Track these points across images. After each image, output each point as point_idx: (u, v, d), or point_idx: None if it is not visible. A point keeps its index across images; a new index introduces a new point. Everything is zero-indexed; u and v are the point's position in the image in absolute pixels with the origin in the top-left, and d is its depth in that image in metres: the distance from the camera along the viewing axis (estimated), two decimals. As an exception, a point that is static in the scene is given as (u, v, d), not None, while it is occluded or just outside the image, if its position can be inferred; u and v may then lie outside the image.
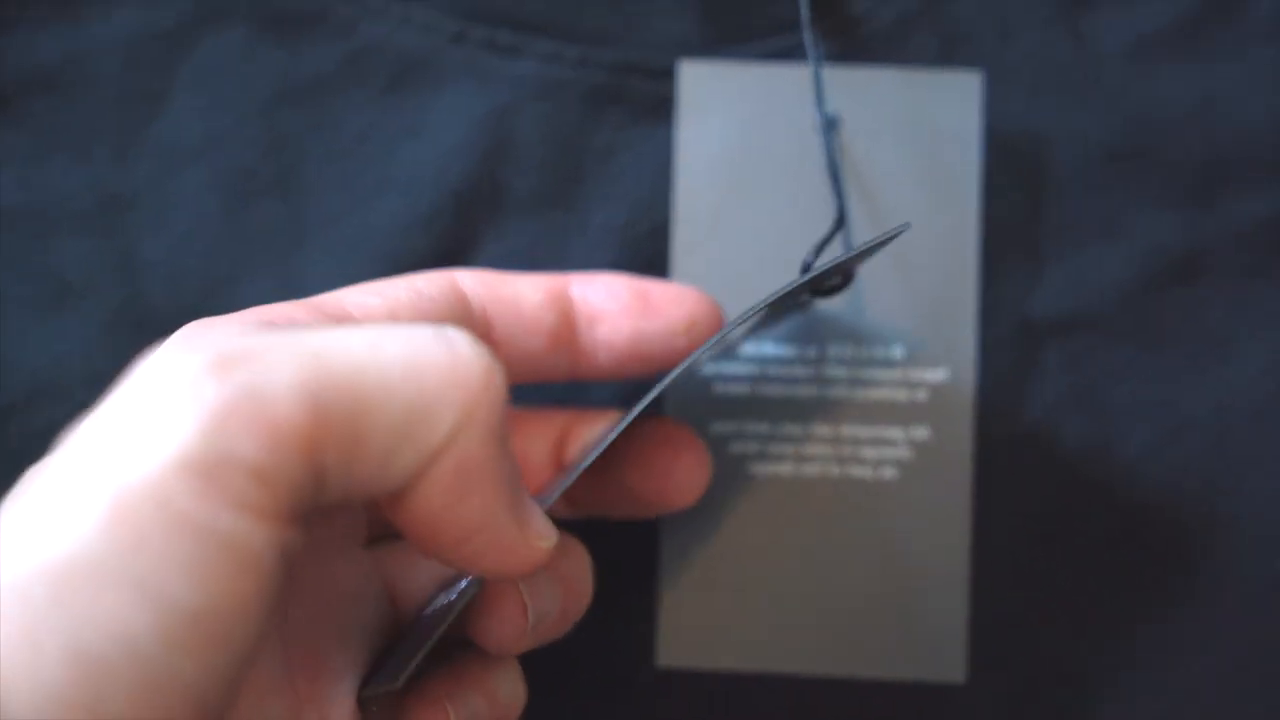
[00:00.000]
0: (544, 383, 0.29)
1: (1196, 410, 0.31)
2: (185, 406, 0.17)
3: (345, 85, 0.32)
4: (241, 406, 0.18)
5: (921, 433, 0.30)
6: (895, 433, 0.30)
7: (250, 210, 0.31)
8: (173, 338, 0.22)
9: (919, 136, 0.31)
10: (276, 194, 0.32)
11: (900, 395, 0.30)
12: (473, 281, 0.27)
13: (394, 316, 0.25)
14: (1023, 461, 0.31)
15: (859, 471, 0.30)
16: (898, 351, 0.30)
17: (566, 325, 0.28)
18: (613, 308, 0.28)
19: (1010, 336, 0.31)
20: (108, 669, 0.17)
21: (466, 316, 0.27)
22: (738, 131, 0.31)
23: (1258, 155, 0.32)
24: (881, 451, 0.30)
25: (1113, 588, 0.31)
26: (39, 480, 0.18)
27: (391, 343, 0.20)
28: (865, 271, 0.31)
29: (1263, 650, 0.30)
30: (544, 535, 0.22)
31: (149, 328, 0.31)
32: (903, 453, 0.30)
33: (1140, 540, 0.31)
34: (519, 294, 0.27)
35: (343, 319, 0.24)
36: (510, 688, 0.25)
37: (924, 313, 0.30)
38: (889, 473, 0.30)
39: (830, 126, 0.31)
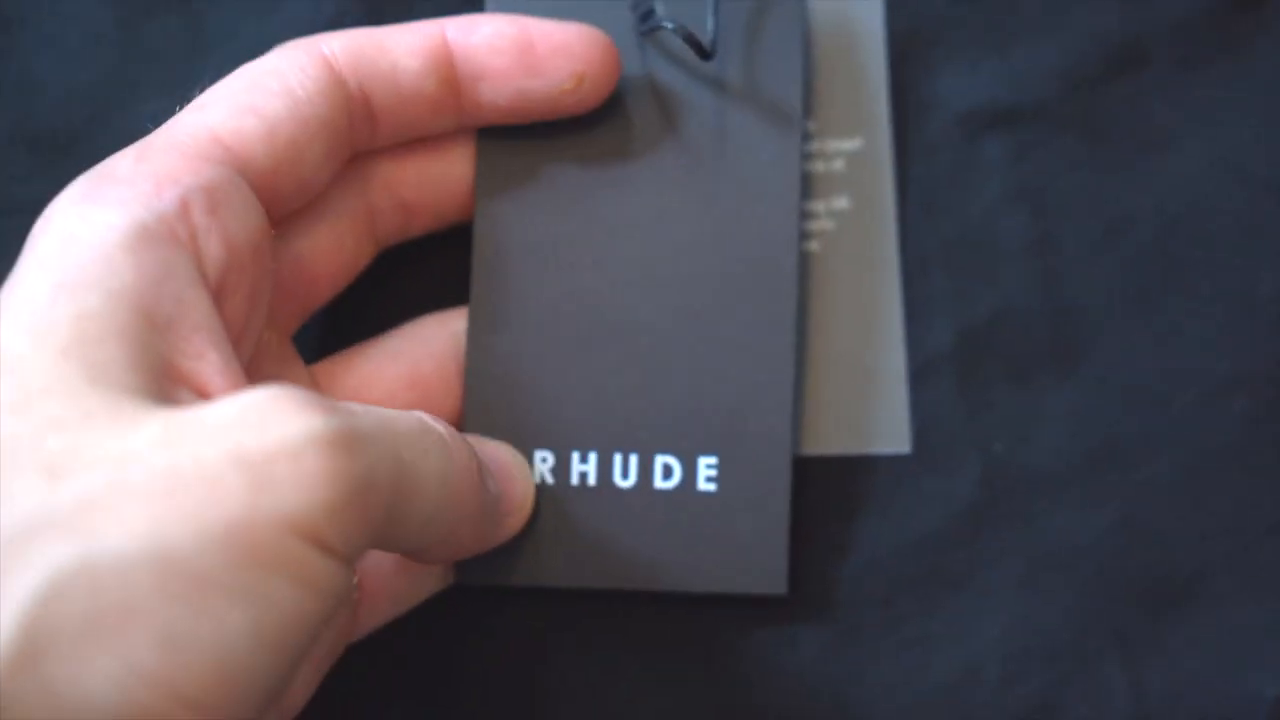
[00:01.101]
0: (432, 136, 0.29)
1: (1139, 205, 0.31)
2: (321, 481, 0.20)
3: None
4: (358, 494, 0.20)
5: (841, 203, 0.31)
6: (815, 205, 0.31)
7: (145, 24, 0.31)
8: (68, 192, 0.23)
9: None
10: (172, 6, 0.31)
11: (816, 167, 0.31)
12: (346, 57, 0.26)
13: (273, 136, 0.25)
14: (963, 258, 0.31)
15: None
16: (810, 124, 0.31)
17: (449, 89, 0.27)
18: (496, 64, 0.27)
19: (950, 130, 0.31)
20: (195, 657, 0.19)
21: (345, 105, 0.26)
22: None
23: None
24: (803, 225, 0.30)
25: (1047, 380, 0.31)
26: (160, 452, 0.20)
27: (438, 460, 0.23)
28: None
29: (1213, 451, 0.31)
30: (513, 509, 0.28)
31: (42, 148, 0.30)
32: (825, 224, 0.31)
33: (1081, 337, 0.31)
34: (396, 65, 0.27)
35: (221, 156, 0.24)
36: None
37: (833, 83, 0.31)
38: (813, 245, 0.31)
39: None
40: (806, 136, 0.30)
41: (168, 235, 0.23)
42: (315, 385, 0.28)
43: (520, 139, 0.29)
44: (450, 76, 0.27)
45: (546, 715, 0.30)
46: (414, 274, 0.31)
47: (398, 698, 0.30)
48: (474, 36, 0.27)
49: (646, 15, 0.29)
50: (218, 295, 0.23)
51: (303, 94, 0.26)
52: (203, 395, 0.22)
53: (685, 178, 0.29)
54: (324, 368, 0.29)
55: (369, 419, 0.21)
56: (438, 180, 0.29)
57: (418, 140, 0.29)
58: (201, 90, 0.26)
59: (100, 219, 0.22)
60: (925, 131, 0.31)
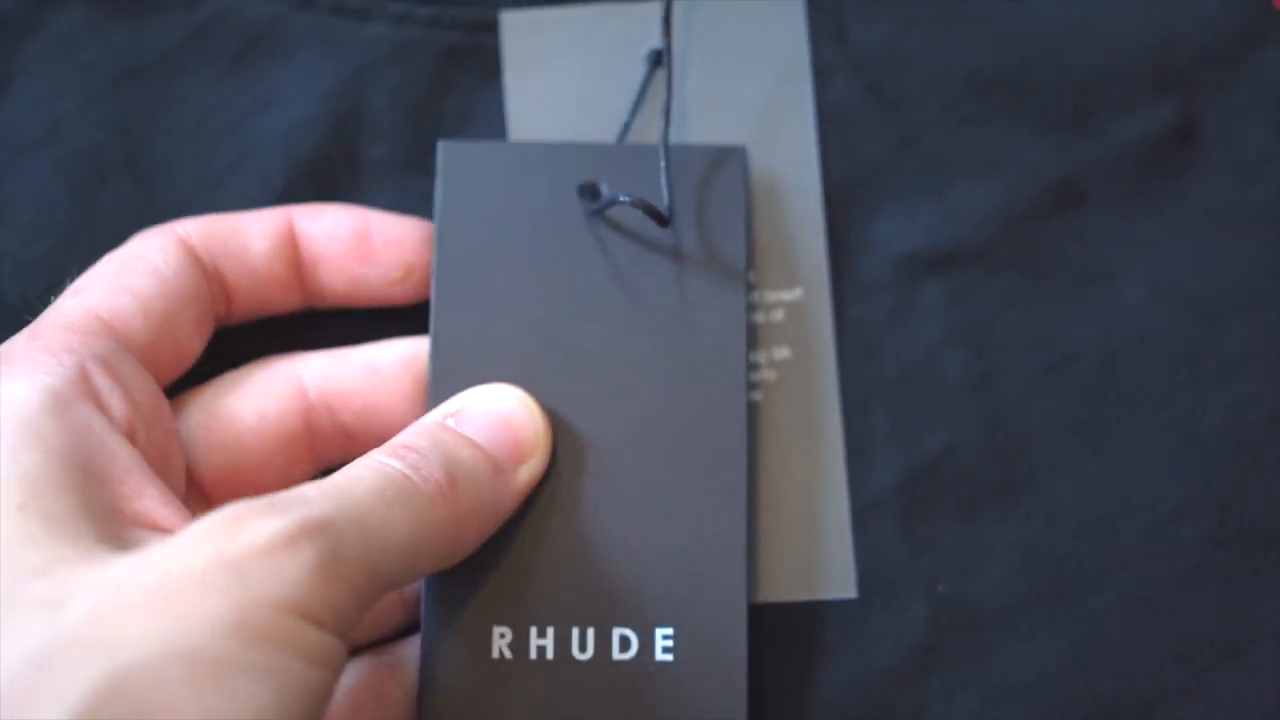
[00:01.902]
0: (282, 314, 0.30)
1: (1081, 340, 0.32)
2: (293, 568, 0.22)
3: (191, 61, 0.32)
4: (329, 571, 0.22)
5: (783, 353, 0.31)
6: (757, 356, 0.31)
7: (99, 195, 0.31)
8: None
9: (749, 64, 0.32)
10: (126, 177, 0.31)
11: (757, 318, 0.31)
12: (200, 239, 0.29)
13: (148, 312, 0.27)
14: (906, 399, 0.31)
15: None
16: (749, 276, 0.31)
17: (294, 271, 0.29)
18: (333, 250, 0.29)
19: (889, 274, 0.32)
20: None
21: (203, 280, 0.28)
22: (566, 79, 0.32)
23: (1131, 76, 0.32)
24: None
25: (992, 516, 0.31)
26: (145, 570, 0.21)
27: (405, 505, 0.25)
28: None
29: (1163, 580, 0.31)
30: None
31: (1, 321, 0.31)
32: (767, 375, 0.31)
33: (1026, 472, 0.31)
34: (247, 246, 0.29)
35: (104, 331, 0.26)
36: None
37: (771, 234, 0.31)
38: (756, 396, 0.31)
39: (658, 62, 0.31)
40: (750, 290, 0.31)
41: (77, 396, 0.24)
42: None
43: (476, 322, 0.29)
44: (295, 259, 0.29)
45: None
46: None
47: None
48: (316, 224, 0.29)
49: (594, 194, 0.30)
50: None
51: (168, 272, 0.28)
52: (153, 529, 0.23)
53: (636, 347, 0.29)
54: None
55: (324, 501, 0.23)
56: (380, 409, 0.29)
57: (362, 368, 0.29)
58: (73, 277, 0.28)
59: (10, 392, 0.24)
60: (864, 276, 0.32)
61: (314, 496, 0.23)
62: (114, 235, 0.31)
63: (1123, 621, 0.31)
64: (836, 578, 0.31)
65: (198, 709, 0.20)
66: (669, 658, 0.29)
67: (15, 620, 0.20)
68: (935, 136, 0.32)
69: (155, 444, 0.26)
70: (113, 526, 0.23)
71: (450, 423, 0.27)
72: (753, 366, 0.31)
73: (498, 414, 0.28)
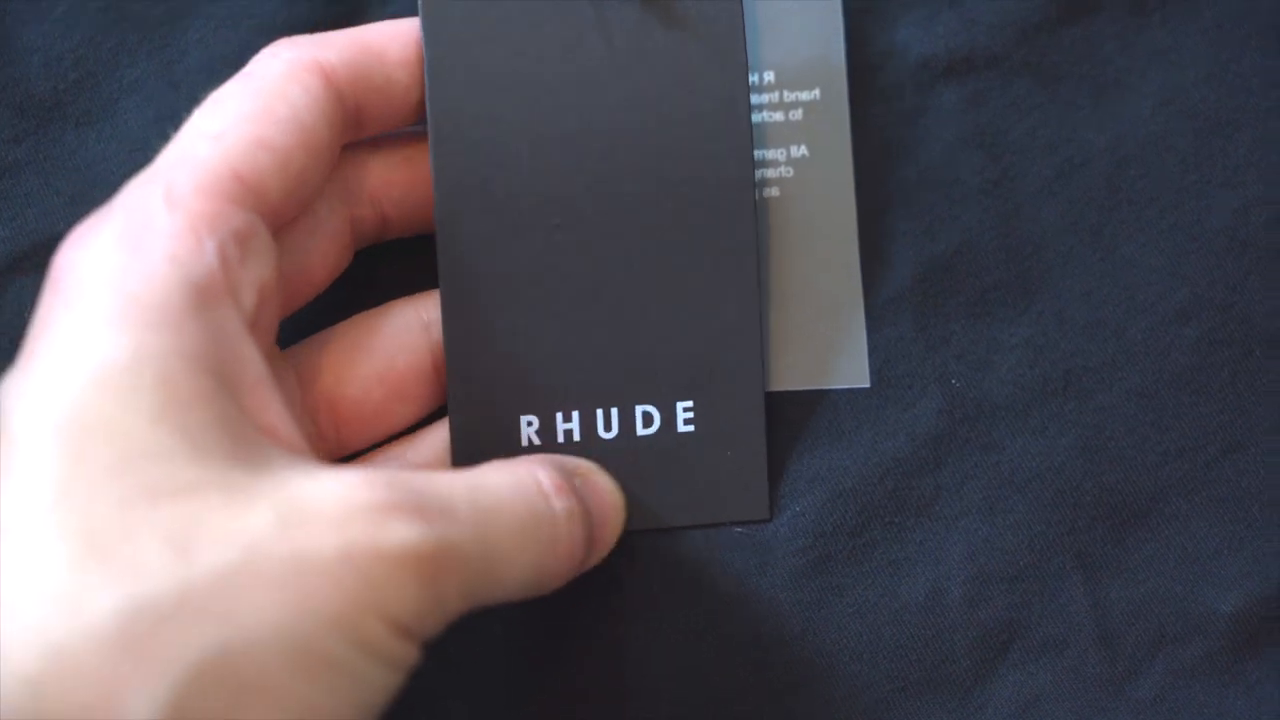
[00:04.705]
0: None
1: (1092, 146, 0.32)
2: (414, 588, 0.22)
3: None
4: (444, 600, 0.23)
5: (800, 150, 0.32)
6: (775, 153, 0.32)
7: None
8: (102, 235, 0.24)
9: None
10: (156, -27, 0.31)
11: (775, 117, 0.32)
12: (345, 71, 0.27)
13: (286, 170, 0.26)
14: (922, 200, 0.32)
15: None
16: (769, 76, 0.32)
17: None
18: None
19: (907, 79, 0.32)
20: None
21: (341, 121, 0.27)
22: None
23: None
24: (763, 173, 0.32)
25: (1005, 314, 0.32)
26: (280, 540, 0.22)
27: (537, 550, 0.25)
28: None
29: (1167, 377, 0.32)
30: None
31: (30, 111, 0.31)
32: (785, 171, 0.32)
33: (1037, 272, 0.32)
34: (390, 78, 0.28)
35: (243, 196, 0.25)
36: None
37: (792, 36, 0.32)
38: (773, 191, 0.32)
39: None
40: (753, 78, 0.31)
41: (217, 293, 0.24)
42: (299, 382, 0.29)
43: (473, 96, 0.29)
44: None
45: (524, 650, 0.31)
46: (386, 258, 0.31)
47: None
48: None
49: None
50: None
51: (309, 120, 0.26)
52: (275, 443, 0.23)
53: (638, 129, 0.29)
54: (301, 360, 0.29)
55: (467, 525, 0.24)
56: (421, 194, 0.30)
57: (404, 158, 0.30)
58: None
59: (155, 274, 0.23)
60: (882, 81, 0.32)
61: (462, 513, 0.24)
62: (143, 30, 0.31)
63: (1127, 417, 0.32)
64: (851, 368, 0.31)
65: (293, 700, 0.21)
66: (690, 429, 0.30)
67: (140, 549, 0.21)
68: (951, -56, 0.32)
69: (265, 323, 0.26)
70: (242, 443, 0.23)
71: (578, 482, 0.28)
72: (771, 163, 0.32)
73: (605, 505, 0.28)
